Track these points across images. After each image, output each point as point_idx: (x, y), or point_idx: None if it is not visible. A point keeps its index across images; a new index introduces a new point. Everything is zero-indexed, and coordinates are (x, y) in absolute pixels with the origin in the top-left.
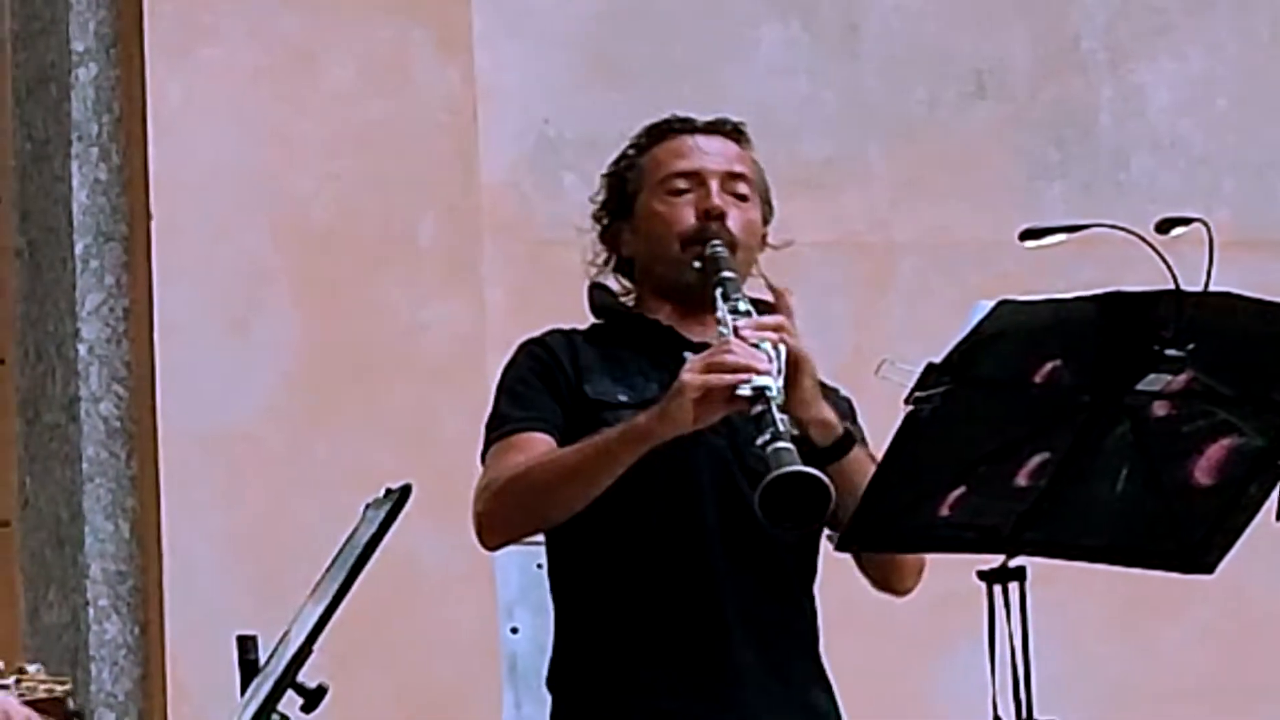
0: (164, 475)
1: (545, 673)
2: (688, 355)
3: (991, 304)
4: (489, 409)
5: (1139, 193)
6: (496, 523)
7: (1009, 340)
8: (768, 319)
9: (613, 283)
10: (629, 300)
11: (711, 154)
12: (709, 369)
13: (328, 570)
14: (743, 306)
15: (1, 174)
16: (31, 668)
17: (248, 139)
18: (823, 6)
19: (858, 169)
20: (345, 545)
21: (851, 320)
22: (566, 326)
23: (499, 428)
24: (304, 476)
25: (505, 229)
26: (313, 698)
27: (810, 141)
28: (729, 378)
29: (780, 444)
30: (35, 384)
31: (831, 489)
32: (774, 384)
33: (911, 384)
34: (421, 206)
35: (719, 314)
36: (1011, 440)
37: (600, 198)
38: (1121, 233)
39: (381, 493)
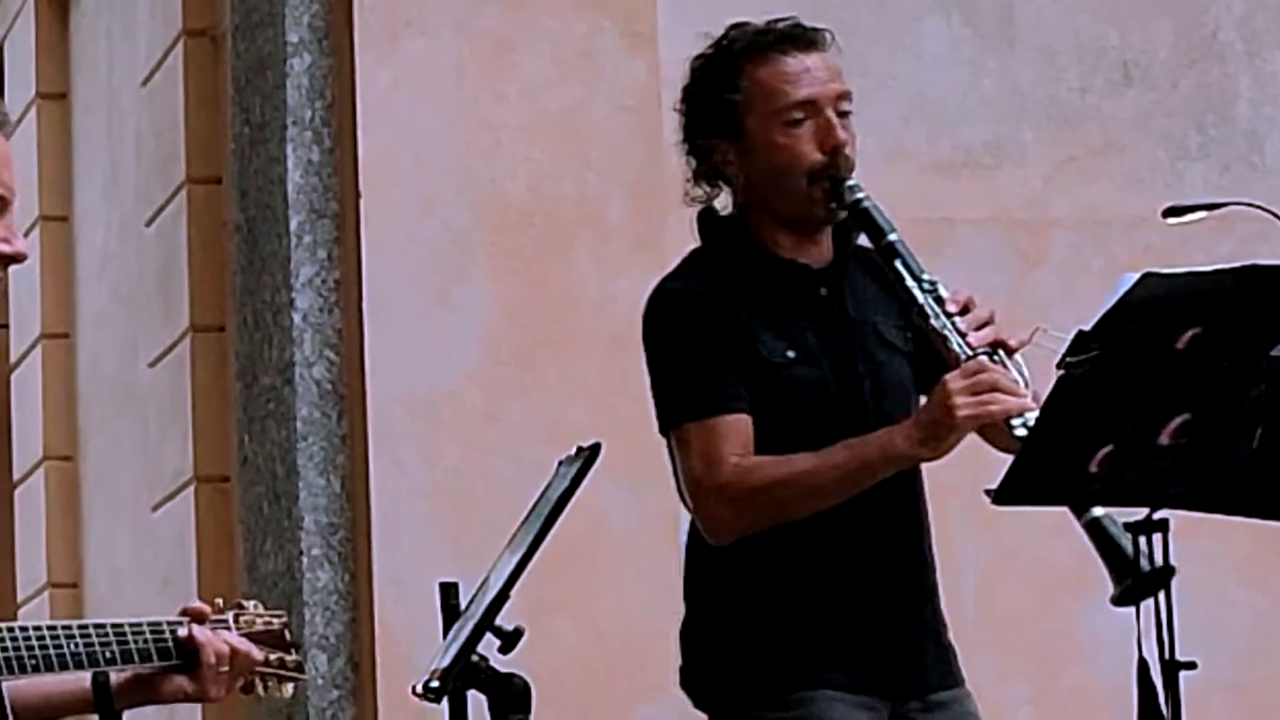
0: (372, 434)
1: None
2: (823, 291)
3: (1137, 276)
4: (663, 365)
5: (1274, 173)
6: (737, 529)
7: (1153, 310)
8: (983, 313)
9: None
10: (727, 213)
11: (821, 78)
12: (981, 405)
13: (523, 522)
14: (943, 292)
15: (222, 156)
16: (249, 605)
17: (450, 123)
18: (982, 1)
19: (1014, 152)
20: (540, 499)
21: (1008, 291)
22: (680, 265)
23: (695, 405)
24: (501, 435)
25: (690, 207)
26: (509, 640)
27: (970, 126)
28: (999, 411)
29: (1097, 512)
30: (253, 350)
31: (1174, 569)
32: None
33: (1063, 350)
34: (610, 186)
35: (926, 308)
36: (1155, 402)
37: (690, 109)
38: (1257, 210)
39: (573, 450)
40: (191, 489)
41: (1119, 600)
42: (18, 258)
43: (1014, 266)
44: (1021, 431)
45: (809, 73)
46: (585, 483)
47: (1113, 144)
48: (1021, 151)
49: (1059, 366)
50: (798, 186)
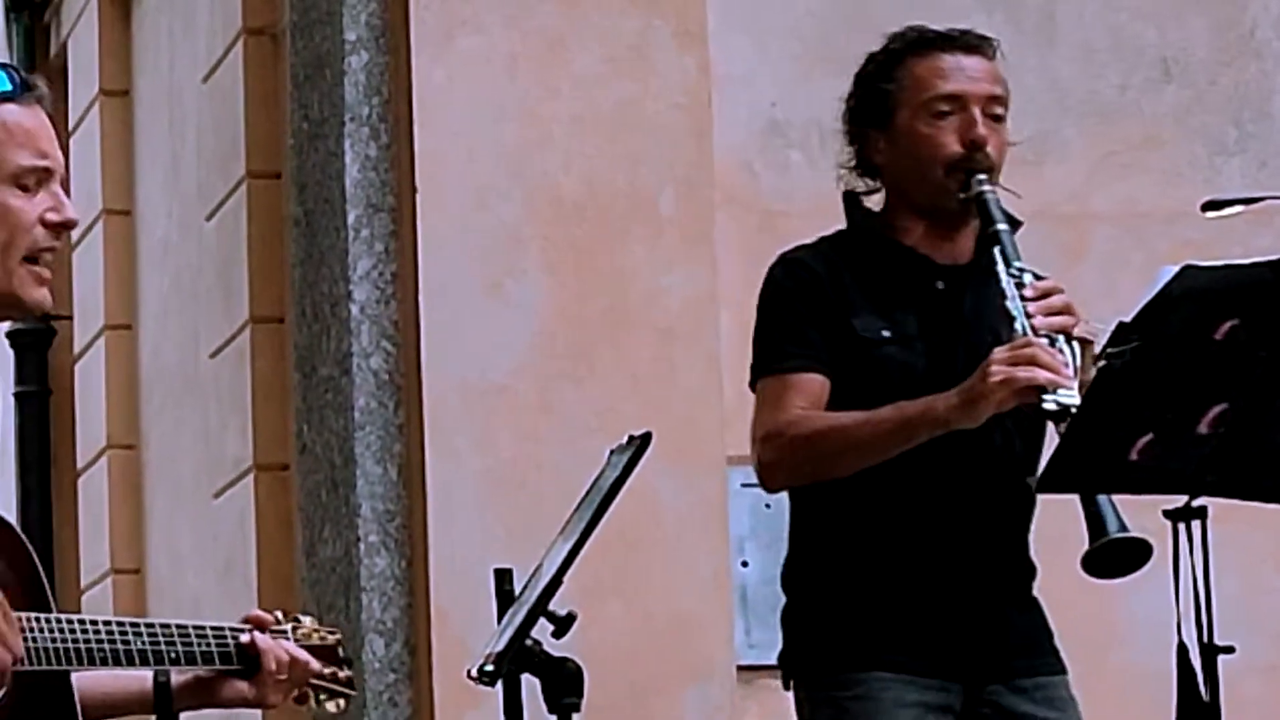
0: (428, 423)
1: (781, 577)
2: (940, 285)
3: (1176, 269)
4: (760, 324)
5: None
6: (783, 474)
7: (1192, 301)
8: (1057, 301)
9: (855, 183)
10: (874, 203)
11: (974, 77)
12: (1012, 374)
13: (576, 509)
14: (1027, 279)
15: (281, 151)
16: (306, 619)
17: (504, 119)
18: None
19: (1056, 147)
20: (592, 487)
21: None
22: (814, 240)
23: (776, 360)
24: (554, 424)
25: (736, 201)
26: (562, 625)
27: (1012, 122)
28: (1026, 378)
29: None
30: (312, 341)
31: (1152, 548)
32: (1077, 399)
33: (1104, 342)
34: (661, 181)
35: (1005, 289)
36: (1194, 392)
37: (852, 100)
38: None
39: (624, 439)
40: (251, 477)
41: (1085, 563)
42: (68, 224)
43: (1057, 260)
44: (1050, 405)
45: (962, 70)
46: (636, 471)
47: (1152, 139)
48: (1063, 147)
49: (1100, 357)
50: (934, 176)
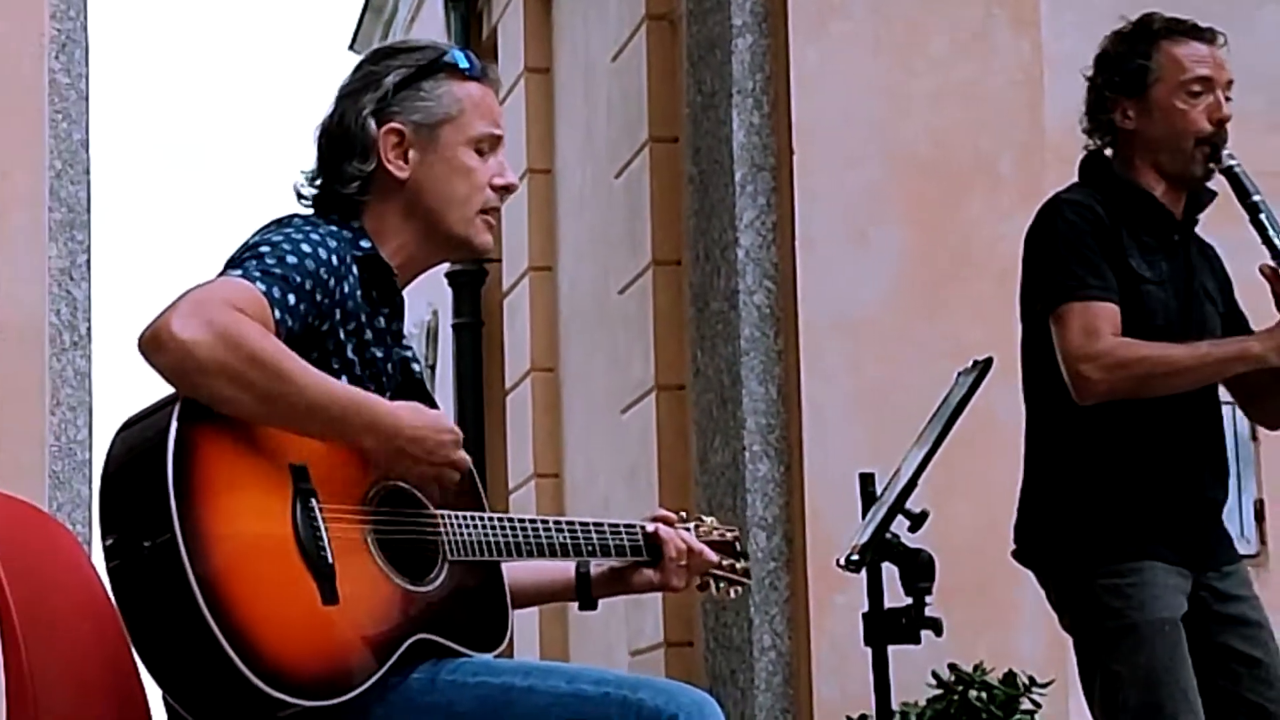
0: (803, 350)
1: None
2: (1176, 237)
3: None
4: (1054, 256)
5: None
6: (1104, 390)
7: None
8: None
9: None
10: (1118, 164)
11: (1219, 65)
12: None
13: (929, 422)
14: None
15: (679, 119)
16: (708, 519)
17: (868, 92)
18: None
19: None
20: (942, 403)
21: None
22: (1075, 191)
23: (1079, 289)
24: (910, 351)
25: (1065, 162)
26: (917, 521)
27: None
28: None
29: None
30: (704, 280)
31: None
32: None
33: None
34: (1000, 145)
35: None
36: None
37: (1101, 68)
38: None
39: (970, 364)
40: (653, 395)
41: None
42: (510, 188)
43: None
44: None
45: (1211, 58)
46: (980, 390)
47: None
48: None
49: None
50: (1185, 147)
